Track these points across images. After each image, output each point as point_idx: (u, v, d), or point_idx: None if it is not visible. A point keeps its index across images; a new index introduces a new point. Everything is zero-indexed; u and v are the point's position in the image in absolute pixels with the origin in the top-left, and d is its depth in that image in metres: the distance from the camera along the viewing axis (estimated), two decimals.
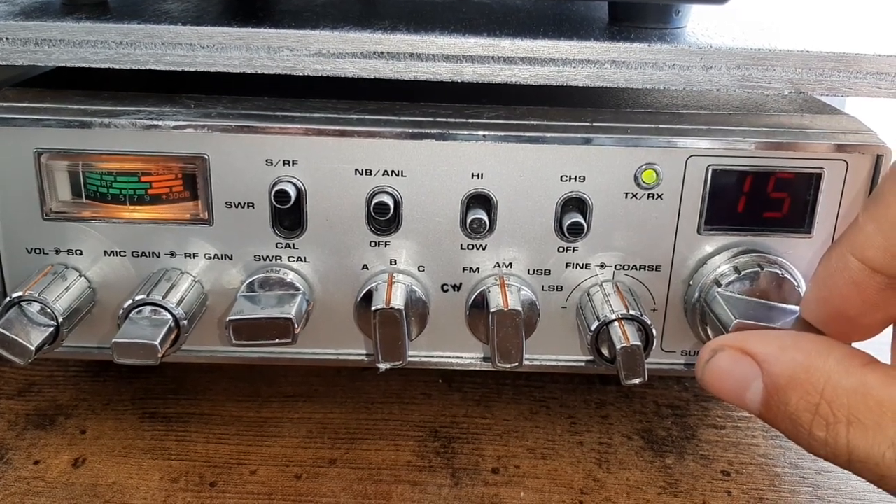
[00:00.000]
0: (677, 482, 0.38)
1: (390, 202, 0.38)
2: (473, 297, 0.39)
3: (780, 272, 0.37)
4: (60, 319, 0.37)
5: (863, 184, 0.38)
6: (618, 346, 0.36)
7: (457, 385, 0.46)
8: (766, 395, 0.26)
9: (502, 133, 0.37)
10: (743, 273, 0.37)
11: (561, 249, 0.39)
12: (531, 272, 0.40)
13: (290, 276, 0.39)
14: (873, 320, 0.28)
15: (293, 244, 0.39)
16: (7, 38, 0.38)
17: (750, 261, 0.38)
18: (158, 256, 0.39)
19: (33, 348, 0.36)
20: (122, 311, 0.37)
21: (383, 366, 0.37)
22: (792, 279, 0.37)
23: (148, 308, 0.37)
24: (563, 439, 0.41)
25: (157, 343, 0.35)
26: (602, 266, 0.39)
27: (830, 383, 0.25)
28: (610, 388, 0.46)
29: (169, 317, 0.37)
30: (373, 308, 0.37)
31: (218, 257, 0.39)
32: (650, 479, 0.39)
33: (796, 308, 0.37)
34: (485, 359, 0.41)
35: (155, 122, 0.37)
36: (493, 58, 0.37)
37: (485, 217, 0.38)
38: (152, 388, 0.44)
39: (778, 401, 0.26)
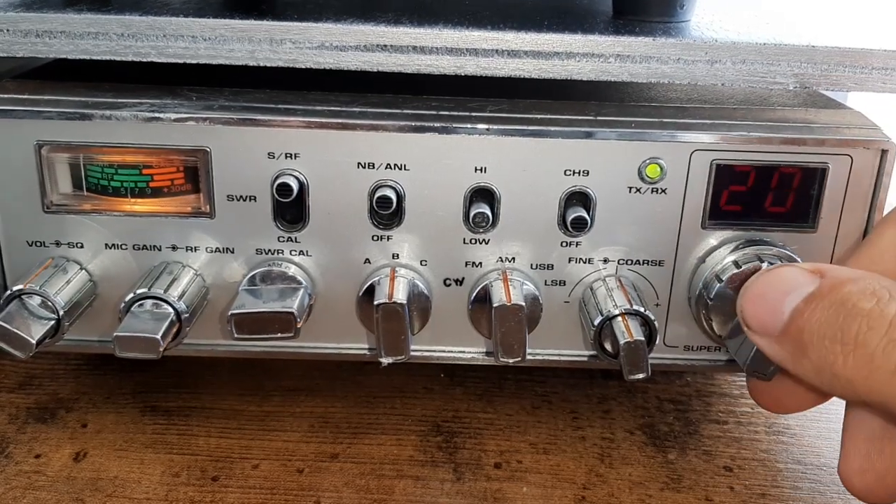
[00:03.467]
0: (680, 477, 0.38)
1: (393, 196, 0.38)
2: (476, 291, 0.39)
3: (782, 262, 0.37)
4: (61, 313, 0.37)
5: (868, 179, 0.38)
6: (621, 342, 0.36)
7: (458, 379, 0.45)
8: (816, 291, 0.26)
9: (506, 127, 0.37)
10: (744, 266, 0.37)
11: (564, 244, 0.39)
12: (534, 267, 0.39)
13: (292, 270, 0.39)
14: None
15: (295, 238, 0.39)
16: (8, 30, 0.37)
17: (752, 253, 0.37)
18: (160, 249, 0.39)
19: (34, 342, 0.36)
20: (123, 304, 0.37)
21: (386, 360, 0.37)
22: None
23: (149, 301, 0.37)
24: (566, 434, 0.41)
25: (158, 337, 0.35)
26: (605, 261, 0.39)
27: (888, 279, 0.25)
28: (611, 382, 0.45)
29: (170, 310, 0.37)
30: (375, 303, 0.37)
31: (219, 251, 0.39)
32: (653, 475, 0.38)
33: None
34: (487, 353, 0.41)
35: (156, 115, 0.37)
36: (497, 51, 0.37)
37: (488, 211, 0.38)
38: (153, 382, 0.44)
39: (829, 291, 0.26)
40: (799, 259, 0.37)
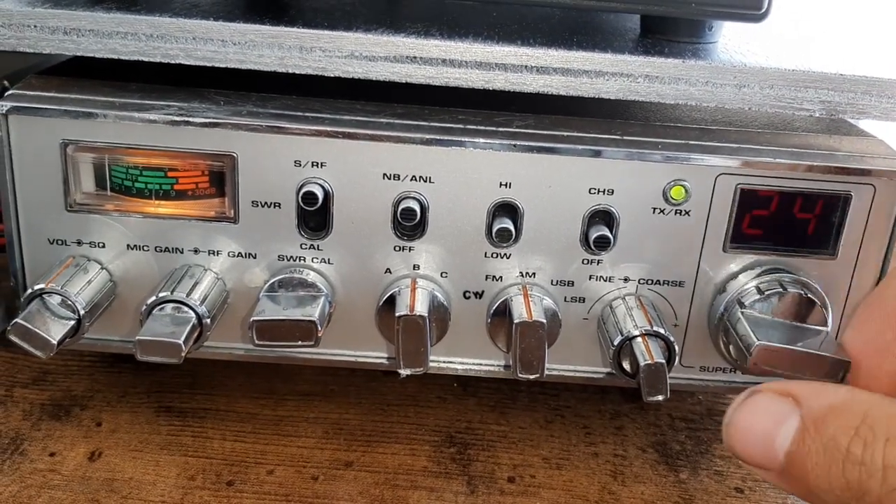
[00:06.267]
0: (691, 497, 0.39)
1: (417, 208, 0.38)
2: (496, 305, 0.39)
3: (805, 292, 0.37)
4: (82, 313, 0.37)
5: (889, 208, 0.38)
6: (641, 363, 0.36)
7: (472, 389, 0.46)
8: (802, 428, 0.26)
9: (532, 143, 0.37)
10: (767, 293, 0.37)
11: (585, 261, 0.39)
12: (554, 283, 0.39)
13: (314, 277, 0.39)
14: None
15: (318, 245, 0.39)
16: (35, 26, 0.37)
17: (775, 280, 0.38)
18: (182, 252, 0.39)
19: (55, 342, 0.36)
20: (145, 307, 0.37)
21: (404, 372, 0.37)
22: (816, 299, 0.37)
23: (171, 305, 0.37)
24: (578, 450, 0.41)
25: (181, 342, 0.35)
26: (625, 279, 0.39)
27: (872, 410, 0.25)
28: (624, 398, 0.46)
29: (192, 315, 0.37)
30: (397, 314, 0.37)
31: (242, 255, 0.39)
32: (665, 494, 0.39)
33: (822, 328, 0.37)
34: (504, 367, 0.41)
35: (185, 119, 0.37)
36: (526, 67, 0.37)
37: (511, 227, 0.38)
38: (168, 382, 0.44)
39: (815, 431, 0.26)
40: (818, 286, 0.38)
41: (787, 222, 0.38)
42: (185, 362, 0.43)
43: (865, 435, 0.24)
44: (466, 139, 0.37)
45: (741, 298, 0.37)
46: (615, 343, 0.37)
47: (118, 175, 0.38)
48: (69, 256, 0.39)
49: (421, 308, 0.37)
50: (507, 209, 0.38)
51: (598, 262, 0.39)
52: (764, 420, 0.27)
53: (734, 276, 0.39)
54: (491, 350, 0.41)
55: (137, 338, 0.35)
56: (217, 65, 0.37)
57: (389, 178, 0.38)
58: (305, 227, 0.39)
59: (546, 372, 0.38)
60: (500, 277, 0.40)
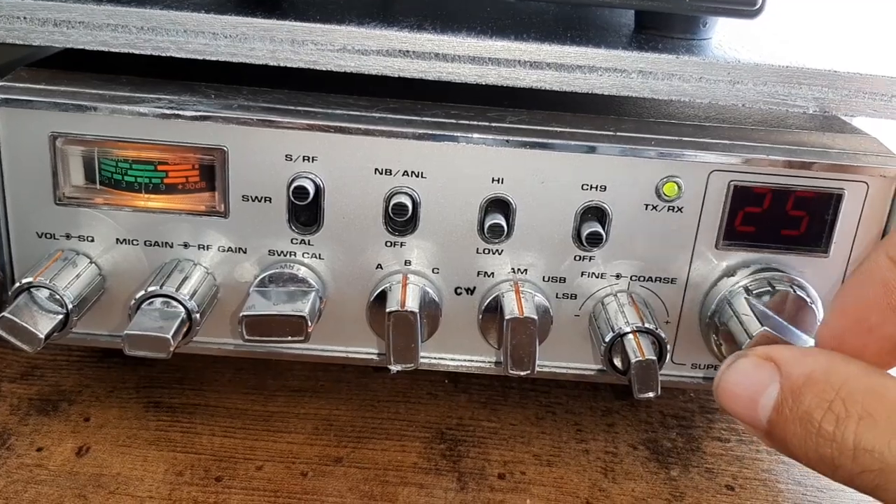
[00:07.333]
0: (682, 495, 0.39)
1: (409, 203, 0.37)
2: (487, 301, 0.39)
3: (798, 291, 0.37)
4: (70, 307, 0.37)
5: (882, 206, 0.38)
6: (633, 360, 0.36)
7: (462, 386, 0.45)
8: (781, 397, 0.26)
9: (525, 139, 0.37)
10: (759, 291, 0.37)
11: (577, 258, 0.39)
12: (546, 279, 0.39)
13: (304, 273, 0.39)
14: (891, 332, 0.28)
15: (308, 240, 0.39)
16: (25, 18, 0.37)
17: (767, 279, 0.38)
18: (171, 247, 0.39)
19: (42, 336, 0.35)
20: (133, 301, 0.37)
21: (395, 368, 0.37)
22: (808, 298, 0.37)
23: (159, 300, 0.37)
24: (569, 447, 0.41)
25: (169, 336, 0.35)
26: (618, 276, 0.39)
27: (848, 383, 0.25)
28: (615, 395, 0.46)
29: (181, 309, 0.36)
30: (388, 310, 0.37)
31: (232, 250, 0.39)
32: (655, 491, 0.39)
33: (809, 338, 0.37)
34: (496, 363, 0.41)
35: (175, 112, 0.36)
36: (519, 62, 0.37)
37: (503, 222, 0.38)
38: (157, 377, 0.44)
39: (792, 402, 0.26)
40: (810, 286, 0.38)
41: (780, 219, 0.38)
42: (175, 357, 0.43)
43: (838, 410, 0.24)
44: (459, 134, 0.37)
45: (731, 299, 0.37)
46: (607, 340, 0.37)
47: (108, 168, 0.38)
48: (58, 250, 0.39)
49: (412, 304, 0.37)
50: (500, 205, 0.38)
51: (591, 259, 0.39)
52: (747, 387, 0.27)
53: (726, 273, 0.38)
54: (482, 346, 0.40)
55: (126, 332, 0.35)
56: (208, 58, 0.37)
57: (381, 173, 0.38)
58: (296, 222, 0.38)
59: (537, 368, 0.38)
60: (492, 273, 0.39)
